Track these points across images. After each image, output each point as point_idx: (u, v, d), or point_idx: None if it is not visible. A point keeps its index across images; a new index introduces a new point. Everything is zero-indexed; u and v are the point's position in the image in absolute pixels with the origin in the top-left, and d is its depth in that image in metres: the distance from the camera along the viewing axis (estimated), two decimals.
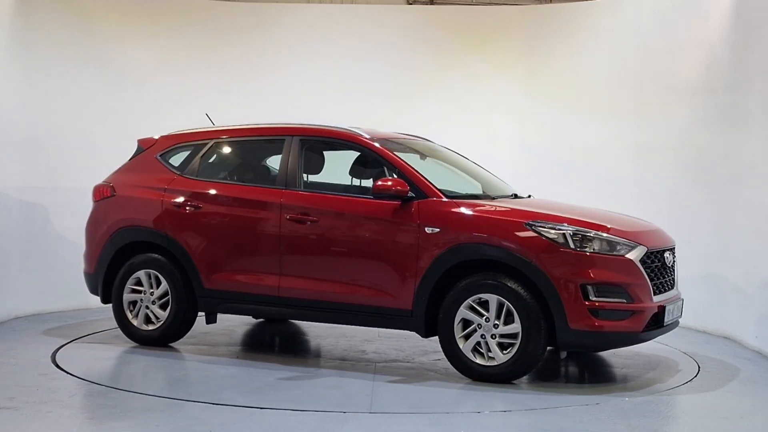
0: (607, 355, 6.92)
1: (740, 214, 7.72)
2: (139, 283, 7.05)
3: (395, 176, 6.32)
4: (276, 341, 7.76)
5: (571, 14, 10.00)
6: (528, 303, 5.77)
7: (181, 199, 6.92)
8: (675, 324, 6.28)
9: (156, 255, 7.00)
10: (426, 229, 6.07)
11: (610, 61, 9.46)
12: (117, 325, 7.19)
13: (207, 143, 7.15)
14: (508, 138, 9.99)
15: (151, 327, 7.00)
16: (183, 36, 9.88)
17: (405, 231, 6.14)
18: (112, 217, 7.19)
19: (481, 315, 5.89)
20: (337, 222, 6.40)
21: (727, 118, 7.98)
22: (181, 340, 7.13)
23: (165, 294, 6.95)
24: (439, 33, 10.23)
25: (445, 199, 6.16)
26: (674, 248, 6.45)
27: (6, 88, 8.37)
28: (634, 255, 5.85)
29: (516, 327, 5.79)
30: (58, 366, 6.27)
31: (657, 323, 5.96)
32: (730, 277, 7.87)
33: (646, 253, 5.93)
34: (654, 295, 5.92)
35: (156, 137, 7.43)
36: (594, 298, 5.70)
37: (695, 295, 7.67)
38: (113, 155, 9.08)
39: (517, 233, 5.86)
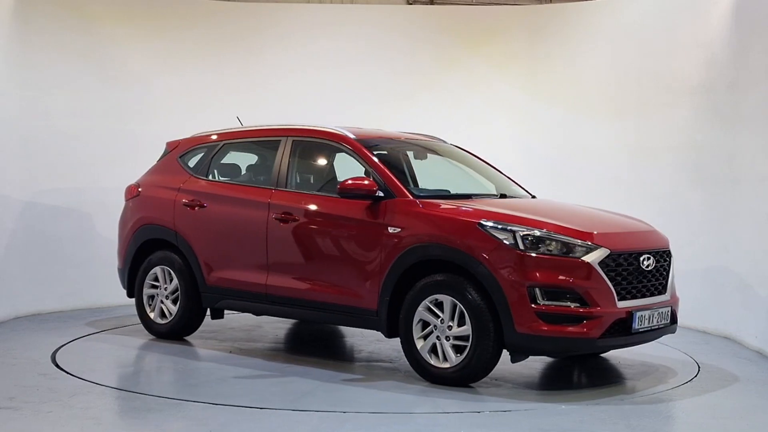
0: (607, 355, 6.91)
1: (740, 214, 7.72)
2: (156, 278, 7.36)
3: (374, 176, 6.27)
4: (286, 339, 7.72)
5: (571, 14, 9.99)
6: (478, 305, 5.62)
7: (189, 199, 7.15)
8: (657, 331, 5.93)
9: (169, 252, 7.28)
10: (389, 228, 6.04)
11: (610, 61, 9.45)
12: (127, 322, 7.45)
13: (218, 145, 7.37)
14: (508, 138, 9.98)
15: (164, 321, 7.28)
16: (183, 36, 9.87)
17: (372, 230, 6.12)
18: (136, 215, 7.54)
19: (438, 316, 5.81)
20: (315, 221, 6.47)
21: (727, 118, 7.97)
22: (194, 334, 7.38)
23: (176, 290, 7.19)
24: (439, 33, 10.23)
25: (410, 199, 6.10)
26: (663, 251, 6.08)
27: (6, 89, 8.36)
28: (593, 257, 5.57)
29: (467, 329, 5.67)
30: (58, 366, 6.27)
31: (624, 330, 5.67)
32: (730, 277, 7.86)
33: (610, 255, 5.63)
34: (621, 300, 5.64)
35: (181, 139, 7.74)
36: (542, 302, 5.50)
37: (695, 294, 7.66)
38: (114, 156, 9.13)
39: (469, 233, 5.72)
